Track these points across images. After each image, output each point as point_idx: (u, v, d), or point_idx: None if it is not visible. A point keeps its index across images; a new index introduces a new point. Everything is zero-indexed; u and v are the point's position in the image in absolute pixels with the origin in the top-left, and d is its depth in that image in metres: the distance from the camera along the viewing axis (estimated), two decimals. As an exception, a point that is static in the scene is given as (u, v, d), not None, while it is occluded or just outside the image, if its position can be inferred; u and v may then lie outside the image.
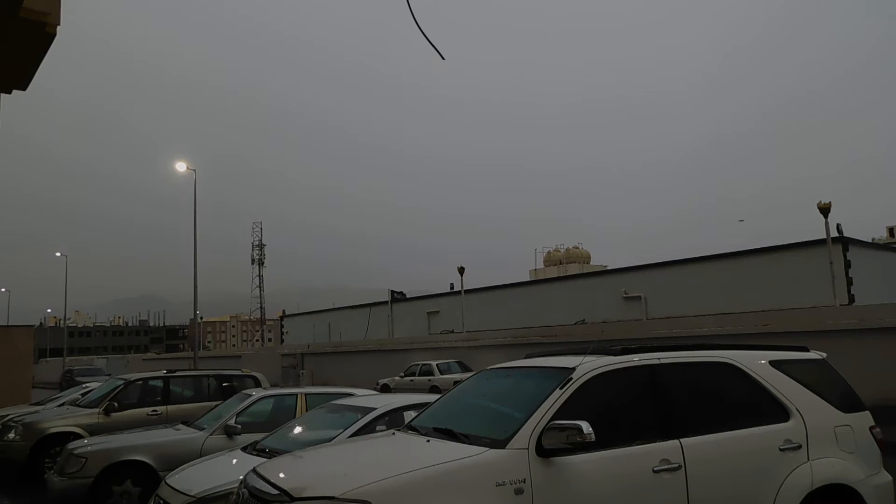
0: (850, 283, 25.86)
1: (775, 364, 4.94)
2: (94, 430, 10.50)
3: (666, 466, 4.12)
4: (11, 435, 10.79)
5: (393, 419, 6.24)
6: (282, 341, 62.33)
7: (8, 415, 12.60)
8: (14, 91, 5.36)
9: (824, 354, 5.43)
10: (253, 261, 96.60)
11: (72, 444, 8.34)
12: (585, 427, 3.75)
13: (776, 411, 4.71)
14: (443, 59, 5.09)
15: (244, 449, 6.49)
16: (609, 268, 41.92)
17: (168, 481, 5.88)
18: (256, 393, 8.84)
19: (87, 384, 17.12)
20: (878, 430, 5.05)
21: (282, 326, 65.74)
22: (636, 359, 4.55)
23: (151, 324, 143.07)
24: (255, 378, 12.51)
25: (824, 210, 21.02)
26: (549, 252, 55.27)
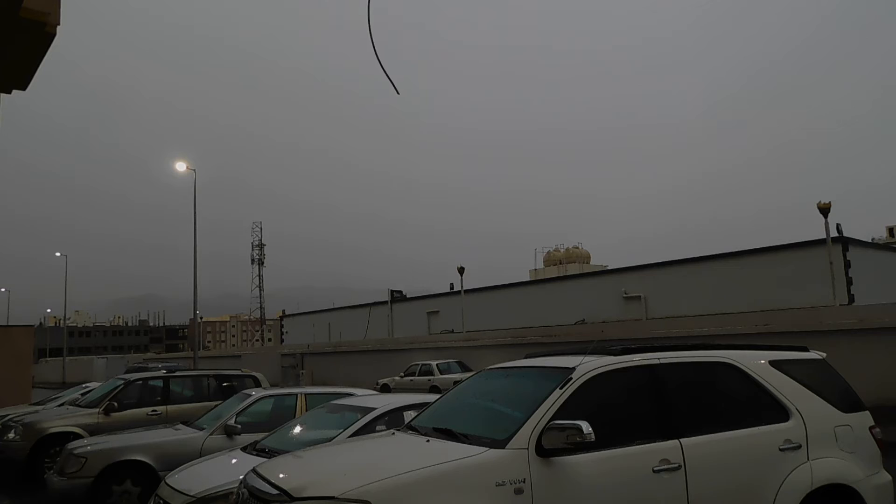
0: (849, 283, 25.86)
1: (775, 364, 4.94)
2: (94, 430, 10.49)
3: (666, 466, 4.12)
4: (11, 435, 10.78)
5: (393, 419, 6.23)
6: (282, 341, 62.31)
7: (8, 415, 12.60)
8: (14, 91, 5.36)
9: (824, 354, 5.42)
10: (253, 261, 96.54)
11: (72, 444, 8.33)
12: (585, 427, 3.74)
13: (776, 411, 4.70)
14: (398, 93, 5.19)
15: (244, 449, 6.48)
16: (609, 268, 41.92)
17: (168, 481, 5.88)
18: (256, 393, 8.84)
19: (87, 384, 17.11)
20: (877, 430, 5.05)
21: (282, 326, 65.72)
22: (636, 359, 4.55)
23: (151, 324, 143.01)
24: (254, 378, 12.50)
25: (824, 210, 21.01)
26: (549, 252, 55.29)
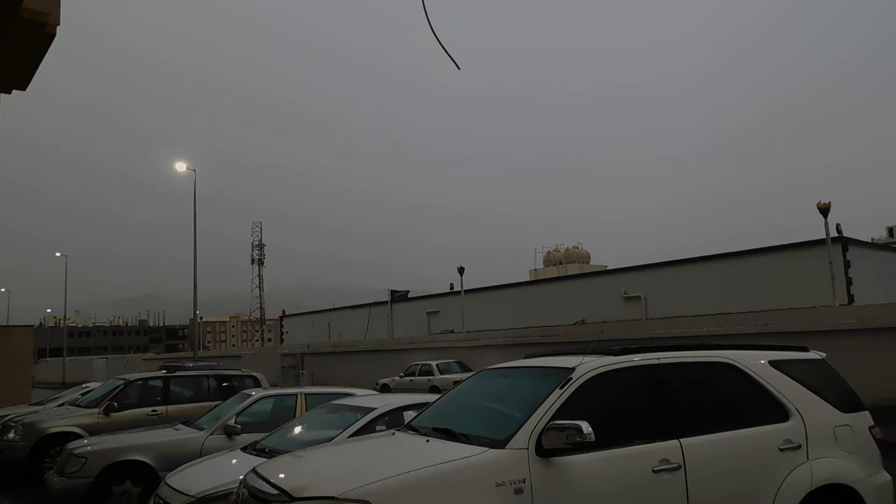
0: (849, 283, 25.85)
1: (775, 364, 4.94)
2: (93, 430, 10.50)
3: (665, 466, 4.12)
4: (11, 435, 10.79)
5: (393, 419, 6.24)
6: (282, 341, 62.29)
7: (8, 415, 12.60)
8: (13, 91, 5.35)
9: (824, 354, 5.42)
10: (253, 261, 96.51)
11: (71, 444, 8.33)
12: (585, 427, 3.75)
13: (776, 411, 4.71)
14: (458, 68, 5.07)
15: (244, 449, 6.49)
16: (609, 268, 41.92)
17: (168, 481, 5.88)
18: (256, 393, 8.84)
19: (87, 385, 17.12)
20: (877, 430, 5.05)
21: (281, 326, 65.70)
22: (636, 359, 4.55)
23: (151, 324, 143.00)
24: (254, 378, 12.51)
25: (824, 210, 21.03)
26: (548, 252, 55.29)
